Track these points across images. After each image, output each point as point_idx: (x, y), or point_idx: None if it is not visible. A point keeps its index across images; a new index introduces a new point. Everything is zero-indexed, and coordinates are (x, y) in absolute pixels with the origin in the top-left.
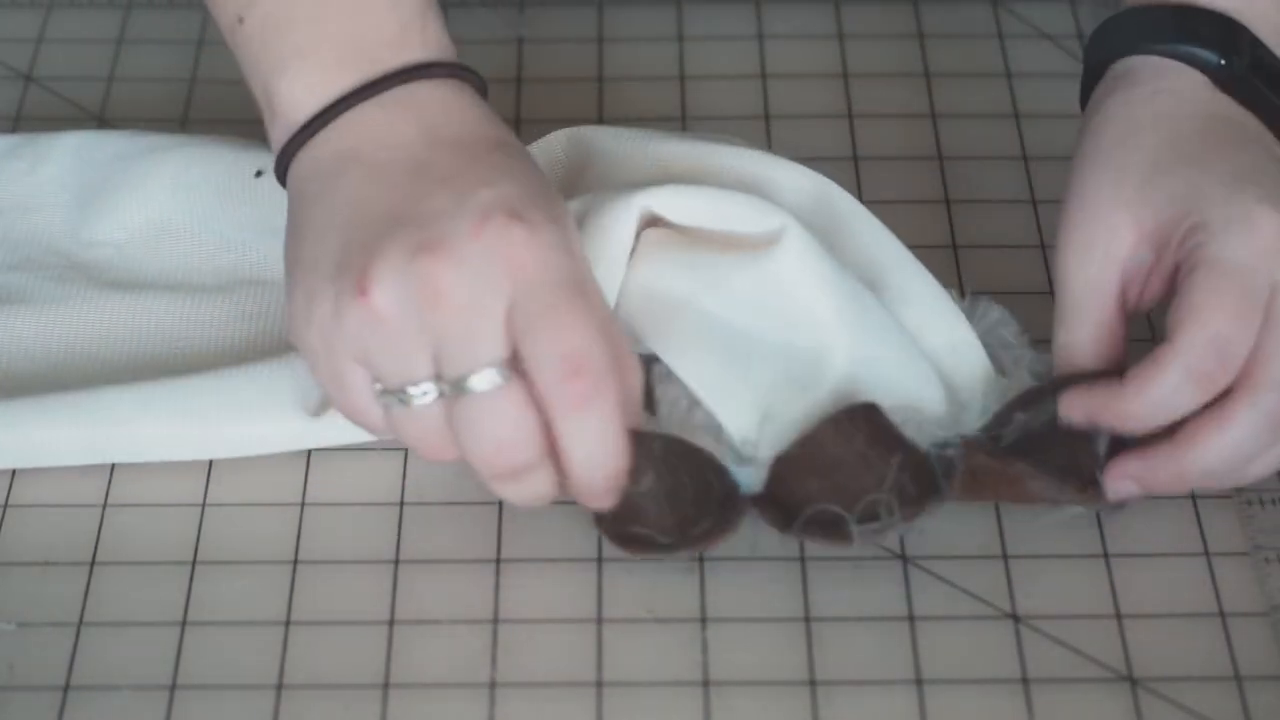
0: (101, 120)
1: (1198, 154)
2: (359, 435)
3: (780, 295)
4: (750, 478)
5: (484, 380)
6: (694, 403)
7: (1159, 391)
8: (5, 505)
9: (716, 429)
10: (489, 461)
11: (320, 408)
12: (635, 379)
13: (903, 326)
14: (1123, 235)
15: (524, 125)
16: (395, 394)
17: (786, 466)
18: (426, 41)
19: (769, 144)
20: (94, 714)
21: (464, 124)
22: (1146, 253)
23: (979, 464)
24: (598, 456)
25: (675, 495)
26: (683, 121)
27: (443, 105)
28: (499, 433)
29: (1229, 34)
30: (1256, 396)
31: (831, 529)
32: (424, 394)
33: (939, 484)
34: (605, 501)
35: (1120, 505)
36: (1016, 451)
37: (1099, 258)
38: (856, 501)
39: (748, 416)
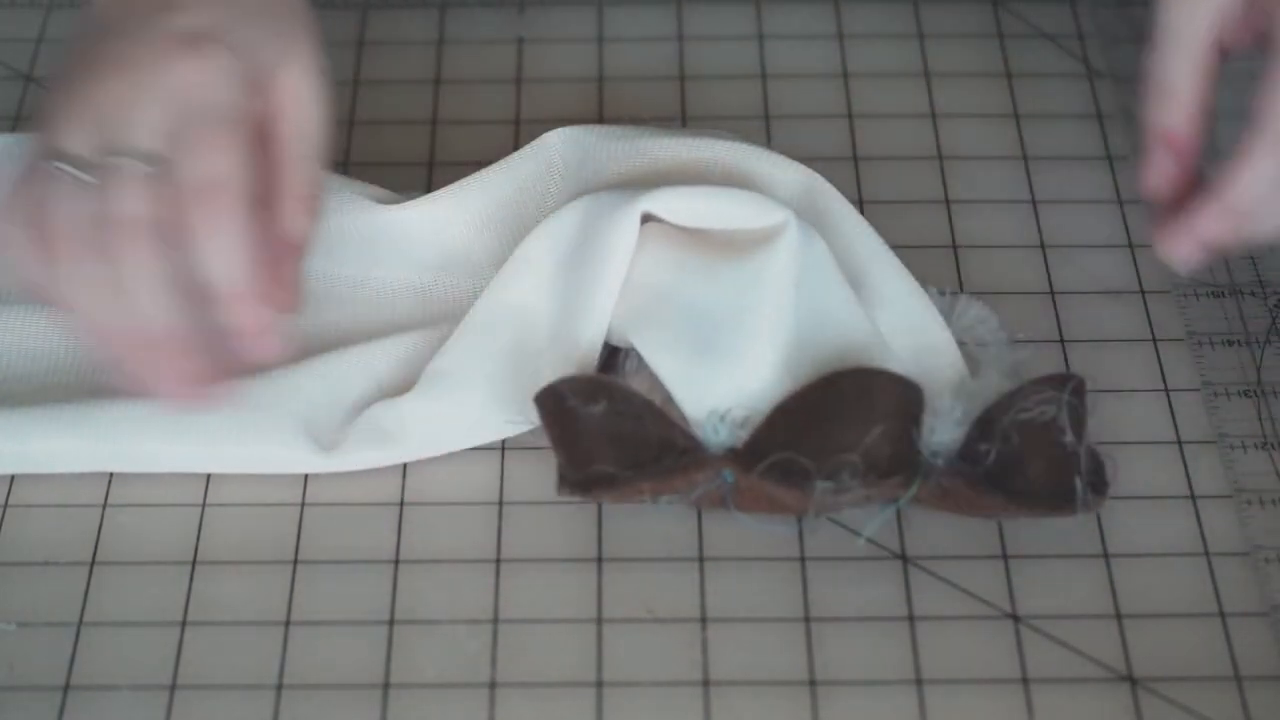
0: None
1: None
2: (361, 465)
3: (765, 292)
4: (717, 446)
5: (131, 163)
6: (666, 399)
7: (1256, 175)
8: (5, 505)
9: (685, 422)
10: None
11: (331, 442)
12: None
13: (877, 330)
14: None
15: (524, 125)
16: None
17: (780, 416)
18: None
19: (769, 144)
20: (94, 714)
21: None
22: (1239, 4)
23: (953, 486)
24: (229, 268)
25: (636, 436)
26: (683, 121)
27: None
28: (131, 210)
29: None
30: None
31: (793, 479)
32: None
33: (917, 467)
34: (258, 340)
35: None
36: (992, 477)
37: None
38: (829, 460)
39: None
